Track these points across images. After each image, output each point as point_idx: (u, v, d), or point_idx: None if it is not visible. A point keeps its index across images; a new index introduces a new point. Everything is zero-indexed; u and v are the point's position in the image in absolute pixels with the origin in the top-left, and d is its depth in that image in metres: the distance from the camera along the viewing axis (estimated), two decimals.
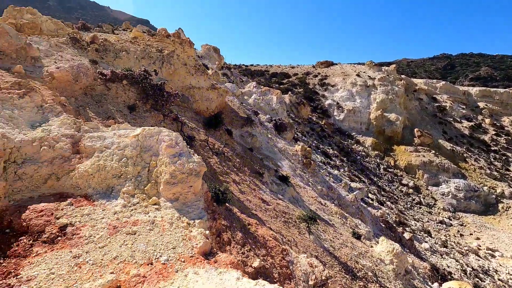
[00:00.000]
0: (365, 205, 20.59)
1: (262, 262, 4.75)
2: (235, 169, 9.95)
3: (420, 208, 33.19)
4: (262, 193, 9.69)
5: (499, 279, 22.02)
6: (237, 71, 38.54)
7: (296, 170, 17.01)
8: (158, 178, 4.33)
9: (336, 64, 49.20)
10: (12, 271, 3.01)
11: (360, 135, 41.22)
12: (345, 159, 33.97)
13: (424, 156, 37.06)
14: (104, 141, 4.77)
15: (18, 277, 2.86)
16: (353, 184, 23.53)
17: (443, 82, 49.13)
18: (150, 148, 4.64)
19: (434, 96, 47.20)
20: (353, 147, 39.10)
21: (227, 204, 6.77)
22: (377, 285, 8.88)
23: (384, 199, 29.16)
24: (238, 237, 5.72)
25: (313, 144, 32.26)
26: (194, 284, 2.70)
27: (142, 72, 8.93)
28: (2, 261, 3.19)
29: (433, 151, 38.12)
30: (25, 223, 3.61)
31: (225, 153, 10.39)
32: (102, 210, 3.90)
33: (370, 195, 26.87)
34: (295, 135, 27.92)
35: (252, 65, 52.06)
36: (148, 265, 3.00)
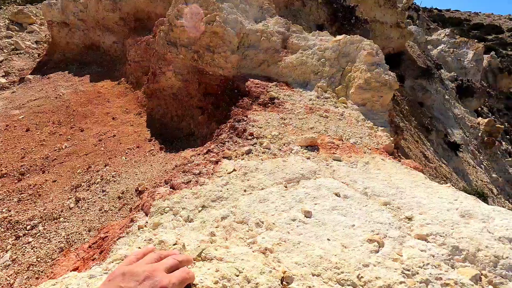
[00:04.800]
0: None
1: None
2: (401, 114, 9.15)
3: None
4: (425, 150, 8.68)
5: None
6: (425, 15, 31.64)
7: (469, 145, 13.91)
8: (350, 82, 4.57)
9: None
10: (241, 114, 4.18)
11: None
12: None
13: None
14: (307, 42, 5.31)
15: (247, 117, 3.95)
16: None
17: None
18: (348, 54, 4.83)
19: None
20: None
21: None
22: None
23: None
24: None
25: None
26: (382, 165, 2.95)
27: None
28: (234, 108, 4.48)
29: None
30: (247, 89, 4.77)
31: (395, 97, 9.57)
32: (299, 96, 4.60)
33: None
34: (480, 108, 21.92)
35: (448, 10, 41.07)
36: (339, 140, 3.45)
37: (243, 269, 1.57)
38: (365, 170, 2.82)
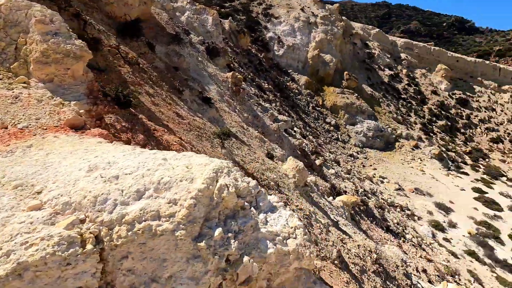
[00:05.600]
0: (288, 135, 22.58)
1: None
2: (150, 82, 9.51)
3: (336, 143, 37.97)
4: (179, 109, 9.70)
5: (382, 198, 27.95)
6: None
7: (224, 96, 17.14)
8: (28, 57, 3.94)
9: None
10: None
11: (296, 73, 42.55)
12: (278, 94, 35.28)
13: (347, 98, 40.96)
14: None
15: None
16: (280, 117, 25.11)
17: (377, 30, 51.87)
18: (18, 23, 4.06)
19: (367, 42, 50.00)
20: (288, 84, 40.50)
21: (131, 109, 6.66)
22: (277, 192, 10.47)
23: (307, 134, 32.28)
24: (139, 138, 5.84)
25: (249, 76, 32.20)
26: (51, 143, 2.79)
27: None
28: None
29: (356, 94, 42.34)
30: None
31: (140, 65, 9.71)
32: None
33: (295, 128, 29.36)
34: (232, 64, 27.25)
35: None
36: (1, 129, 2.93)
37: None
38: (22, 155, 2.55)
